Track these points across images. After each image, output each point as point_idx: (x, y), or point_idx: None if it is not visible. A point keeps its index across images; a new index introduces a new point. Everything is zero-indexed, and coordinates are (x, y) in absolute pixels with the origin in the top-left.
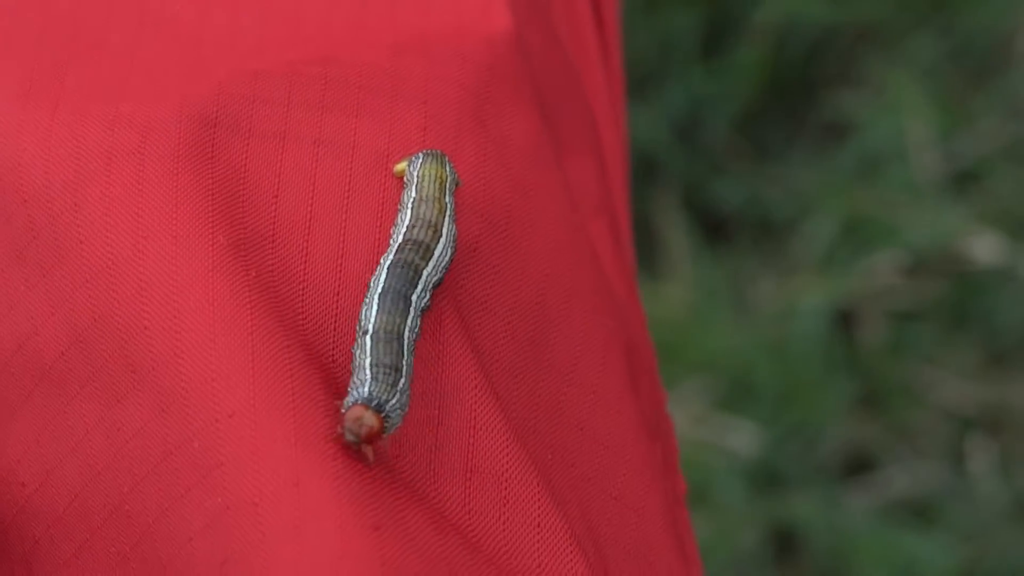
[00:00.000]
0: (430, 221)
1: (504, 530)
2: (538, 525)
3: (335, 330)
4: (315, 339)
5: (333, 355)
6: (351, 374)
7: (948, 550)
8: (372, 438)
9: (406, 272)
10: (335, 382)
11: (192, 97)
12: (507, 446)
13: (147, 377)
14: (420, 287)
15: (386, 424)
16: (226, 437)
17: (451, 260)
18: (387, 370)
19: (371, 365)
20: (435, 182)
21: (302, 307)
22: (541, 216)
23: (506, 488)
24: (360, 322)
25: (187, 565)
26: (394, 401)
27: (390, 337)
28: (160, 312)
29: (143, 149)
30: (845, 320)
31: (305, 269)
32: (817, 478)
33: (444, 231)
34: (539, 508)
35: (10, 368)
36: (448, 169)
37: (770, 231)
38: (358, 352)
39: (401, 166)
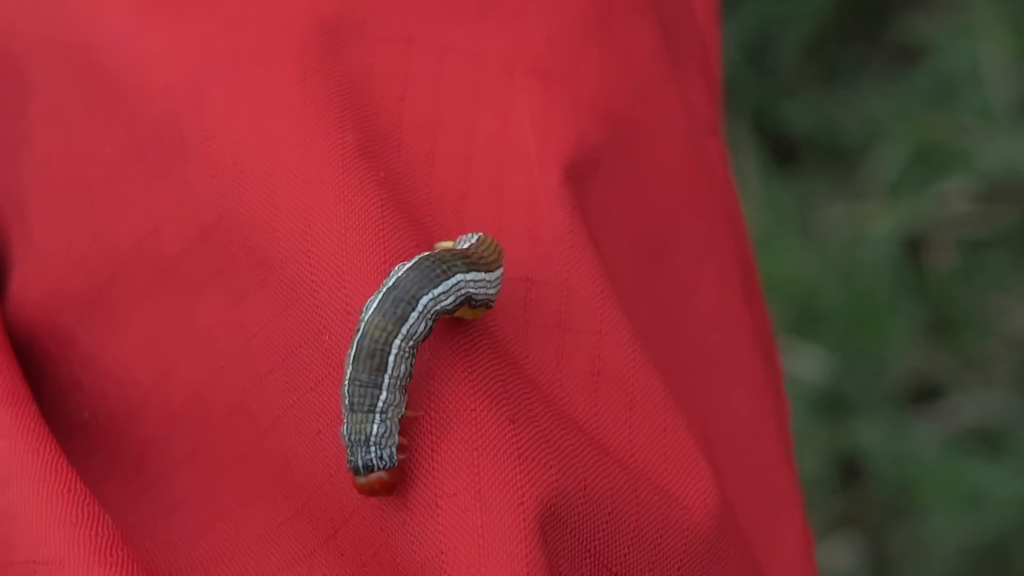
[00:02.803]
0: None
1: (631, 433)
2: (664, 430)
3: (461, 232)
4: (441, 238)
5: None
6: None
7: (1015, 479)
8: (390, 487)
9: (431, 269)
10: None
11: (318, 1)
12: (633, 352)
13: (275, 273)
14: (440, 290)
15: (382, 462)
16: None
17: (494, 297)
18: (361, 400)
19: (348, 390)
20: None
21: (428, 209)
22: (664, 128)
23: (632, 393)
24: (363, 308)
25: (314, 459)
26: (382, 430)
27: (373, 350)
28: (290, 208)
29: (269, 49)
30: (915, 247)
31: (431, 173)
32: (884, 406)
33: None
34: (665, 414)
35: (128, 267)
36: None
37: (840, 156)
38: (346, 362)
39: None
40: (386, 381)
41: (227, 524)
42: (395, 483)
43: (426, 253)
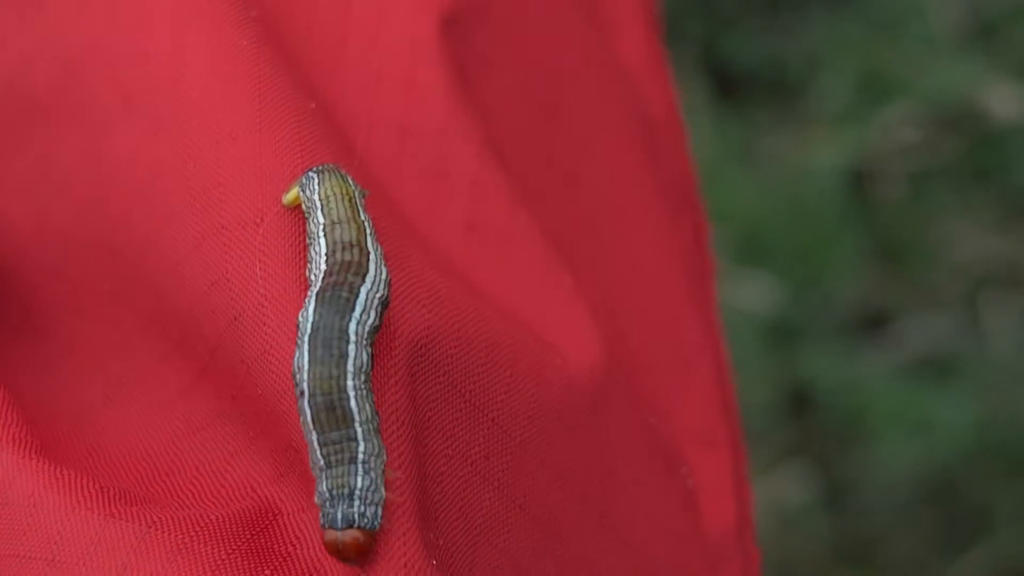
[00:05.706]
0: (351, 242)
1: (506, 283)
2: (540, 283)
3: (337, 77)
4: (318, 83)
5: (334, 100)
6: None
7: (964, 406)
8: (365, 550)
9: (337, 298)
10: (336, 122)
11: None
12: (509, 204)
13: (142, 104)
14: (359, 310)
15: (364, 519)
16: (227, 158)
17: (389, 281)
18: (339, 456)
19: (321, 453)
20: (343, 200)
21: (306, 52)
22: None
23: (506, 246)
24: (294, 373)
25: (176, 291)
26: (367, 483)
27: (329, 403)
28: (163, 39)
29: None
30: (862, 179)
31: (311, 14)
32: (832, 335)
33: (371, 249)
34: (542, 266)
35: (2, 108)
36: (351, 183)
37: (786, 86)
38: (306, 431)
39: (292, 194)
40: (359, 430)
41: (112, 365)
42: (370, 548)
43: (317, 289)
